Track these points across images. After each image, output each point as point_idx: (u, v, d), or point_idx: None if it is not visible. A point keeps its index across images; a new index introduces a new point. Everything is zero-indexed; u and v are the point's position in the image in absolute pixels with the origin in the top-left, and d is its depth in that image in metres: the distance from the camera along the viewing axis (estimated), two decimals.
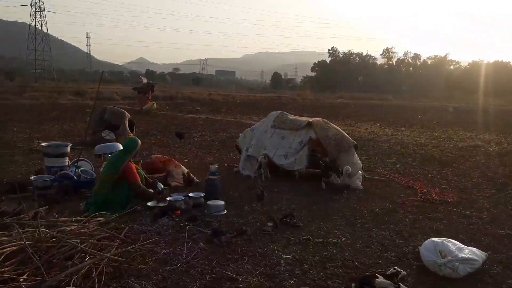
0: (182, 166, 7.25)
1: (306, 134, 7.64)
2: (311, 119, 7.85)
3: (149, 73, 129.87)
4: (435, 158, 11.19)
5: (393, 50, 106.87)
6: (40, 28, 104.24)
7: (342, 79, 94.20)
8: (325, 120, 8.02)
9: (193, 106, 29.74)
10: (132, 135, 11.69)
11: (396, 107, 38.25)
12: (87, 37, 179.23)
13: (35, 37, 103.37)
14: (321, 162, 7.44)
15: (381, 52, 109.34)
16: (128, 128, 11.40)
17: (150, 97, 23.82)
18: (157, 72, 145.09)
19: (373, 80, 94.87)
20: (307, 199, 6.64)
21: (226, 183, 7.44)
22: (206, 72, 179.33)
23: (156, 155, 7.28)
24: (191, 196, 5.86)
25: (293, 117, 8.28)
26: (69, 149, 7.39)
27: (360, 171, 7.60)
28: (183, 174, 6.56)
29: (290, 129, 7.87)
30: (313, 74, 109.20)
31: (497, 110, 37.32)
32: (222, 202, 5.75)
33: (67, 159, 7.29)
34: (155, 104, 23.36)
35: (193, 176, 6.83)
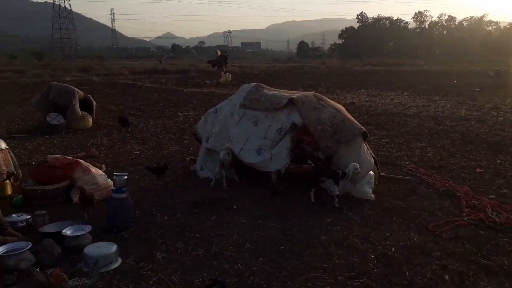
0: (96, 170, 4.84)
1: (287, 117, 5.04)
2: (296, 94, 5.21)
3: (175, 47, 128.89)
4: (482, 139, 8.32)
5: (426, 13, 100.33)
6: (64, 6, 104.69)
7: (371, 46, 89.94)
8: (317, 95, 5.32)
9: (202, 80, 27.33)
10: (89, 118, 9.42)
11: (428, 73, 34.40)
12: (111, 14, 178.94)
13: (60, 16, 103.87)
14: (309, 162, 4.86)
15: (412, 16, 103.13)
16: (78, 110, 9.07)
17: (224, 69, 24.00)
18: (183, 47, 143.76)
19: (404, 46, 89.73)
20: (276, 230, 4.06)
21: (164, 192, 5.07)
22: (231, 44, 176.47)
23: (55, 155, 4.90)
24: (67, 235, 3.47)
25: (272, 91, 5.65)
26: None
27: (371, 172, 4.99)
28: (80, 189, 4.13)
29: (266, 109, 5.28)
30: (341, 41, 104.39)
31: None
32: (113, 248, 3.31)
33: None
34: (230, 76, 23.17)
35: (92, 191, 4.30)
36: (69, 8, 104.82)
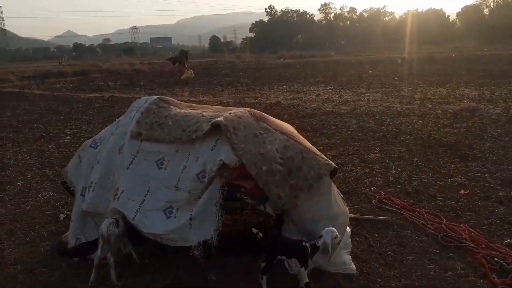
0: None
1: (212, 154, 3.08)
2: (223, 113, 3.26)
3: (77, 46, 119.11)
4: (436, 141, 7.12)
5: (331, 5, 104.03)
6: None
7: (281, 38, 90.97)
8: (255, 112, 3.40)
9: (105, 82, 24.12)
10: None
11: (341, 64, 34.46)
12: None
13: None
14: (253, 230, 2.95)
15: (319, 8, 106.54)
16: None
17: (186, 66, 22.79)
18: (86, 45, 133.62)
19: (312, 37, 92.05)
20: None
21: None
22: (139, 41, 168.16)
23: None
24: None
25: (183, 108, 3.62)
26: None
27: (347, 227, 3.23)
28: None
29: (175, 140, 3.26)
30: (252, 35, 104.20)
31: (444, 58, 34.92)
32: None
33: None
34: (193, 72, 21.60)
35: None
36: None
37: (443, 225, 3.81)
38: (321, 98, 13.60)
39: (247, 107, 3.49)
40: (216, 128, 3.07)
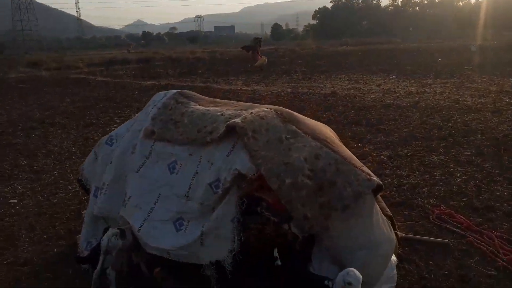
0: None
1: (226, 160, 2.60)
2: (245, 112, 2.75)
3: (145, 35, 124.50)
4: None
5: None
6: None
7: (345, 25, 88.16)
8: (283, 111, 2.83)
9: (165, 69, 24.51)
10: None
11: (408, 52, 32.22)
12: (75, 3, 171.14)
13: (19, 7, 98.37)
14: (275, 256, 2.42)
15: None
16: None
17: (259, 53, 23.11)
18: (154, 34, 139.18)
19: (378, 24, 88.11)
20: None
21: None
22: (204, 29, 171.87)
23: None
24: None
25: (205, 104, 3.15)
26: None
27: (393, 258, 2.62)
28: None
29: (189, 142, 2.82)
30: (315, 22, 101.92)
31: None
32: None
33: None
34: (266, 59, 22.12)
35: None
36: None
37: None
38: (381, 88, 12.60)
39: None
40: (233, 131, 2.58)
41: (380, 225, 2.53)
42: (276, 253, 2.50)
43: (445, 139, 6.49)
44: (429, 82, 13.41)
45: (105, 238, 2.71)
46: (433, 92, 11.27)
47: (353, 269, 2.16)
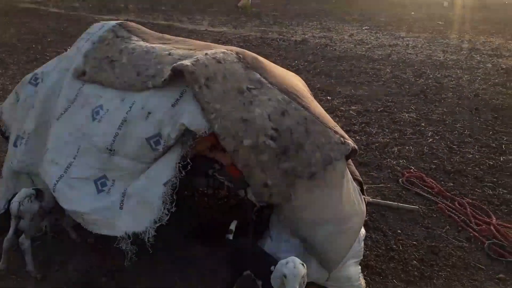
0: None
1: (172, 112, 2.12)
2: (199, 52, 2.24)
3: None
4: (485, 102, 5.91)
5: None
6: None
7: None
8: (247, 55, 2.31)
9: (126, 3, 22.60)
10: None
11: (382, 2, 31.52)
12: None
13: None
14: (230, 230, 2.02)
15: None
16: None
17: None
18: None
19: None
20: None
21: None
22: None
23: None
24: None
25: (148, 41, 2.58)
26: None
27: (362, 231, 2.30)
28: None
29: (123, 87, 2.29)
30: None
31: (497, 4, 31.39)
32: None
33: None
34: (250, 1, 19.91)
35: None
36: None
37: (492, 227, 2.83)
38: (354, 39, 12.11)
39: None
40: (179, 74, 2.07)
41: (351, 196, 2.18)
42: (233, 226, 2.12)
43: (416, 96, 6.22)
44: (401, 35, 13.03)
45: (15, 199, 2.21)
46: (406, 46, 10.92)
47: (295, 258, 1.78)
